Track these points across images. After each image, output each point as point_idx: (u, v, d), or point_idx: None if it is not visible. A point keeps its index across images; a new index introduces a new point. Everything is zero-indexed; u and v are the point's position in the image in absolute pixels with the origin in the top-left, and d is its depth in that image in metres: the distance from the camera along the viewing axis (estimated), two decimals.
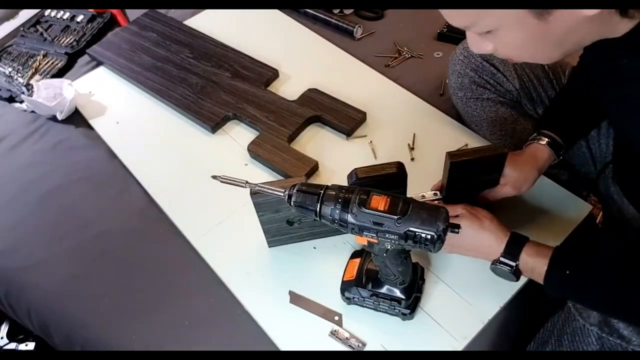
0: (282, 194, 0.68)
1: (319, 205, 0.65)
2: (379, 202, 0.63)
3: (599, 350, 0.72)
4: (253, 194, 0.78)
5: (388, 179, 0.77)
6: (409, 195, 0.81)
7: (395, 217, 0.62)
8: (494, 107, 1.01)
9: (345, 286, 0.82)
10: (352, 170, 0.78)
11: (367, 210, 0.63)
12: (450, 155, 0.79)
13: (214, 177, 0.70)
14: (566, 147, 0.86)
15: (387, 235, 0.64)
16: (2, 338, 1.14)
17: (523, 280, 0.84)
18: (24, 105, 1.27)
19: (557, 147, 0.85)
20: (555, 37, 0.56)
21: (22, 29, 1.48)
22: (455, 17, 0.58)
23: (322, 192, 0.66)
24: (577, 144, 0.92)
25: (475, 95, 1.01)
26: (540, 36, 0.56)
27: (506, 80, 0.99)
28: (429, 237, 0.62)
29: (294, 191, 0.67)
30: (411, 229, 0.62)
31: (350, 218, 0.64)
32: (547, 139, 0.85)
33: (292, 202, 0.67)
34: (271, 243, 0.92)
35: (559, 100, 0.93)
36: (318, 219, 0.66)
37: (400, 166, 0.78)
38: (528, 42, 0.57)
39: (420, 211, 0.63)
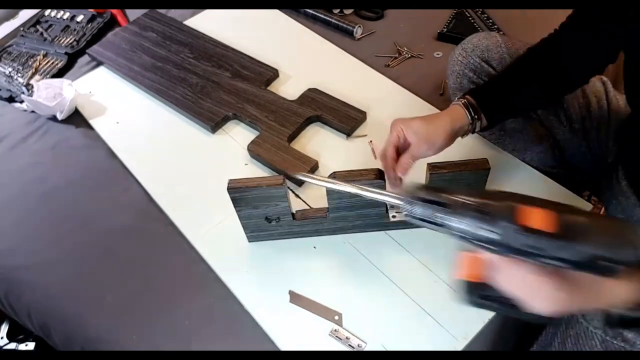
0: (402, 202, 0.50)
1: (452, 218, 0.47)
2: (539, 217, 0.44)
3: (599, 351, 0.71)
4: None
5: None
6: None
7: (566, 241, 0.43)
8: None
9: (474, 288, 0.55)
10: (331, 174, 0.77)
11: (524, 233, 0.43)
12: (430, 167, 0.80)
13: (292, 176, 0.60)
14: (483, 112, 0.81)
15: (545, 260, 0.45)
16: (2, 338, 1.14)
17: None
18: (24, 105, 1.27)
19: (472, 110, 0.81)
20: None
21: (22, 29, 1.48)
22: None
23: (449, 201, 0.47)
24: (500, 121, 0.87)
25: None
26: None
27: None
28: (614, 268, 0.43)
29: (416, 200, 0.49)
30: (591, 254, 0.43)
31: (495, 237, 0.45)
32: (464, 100, 0.82)
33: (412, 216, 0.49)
34: (251, 238, 0.92)
35: (498, 75, 0.89)
36: (454, 236, 0.47)
37: (379, 173, 0.77)
38: None
39: (600, 228, 0.43)
